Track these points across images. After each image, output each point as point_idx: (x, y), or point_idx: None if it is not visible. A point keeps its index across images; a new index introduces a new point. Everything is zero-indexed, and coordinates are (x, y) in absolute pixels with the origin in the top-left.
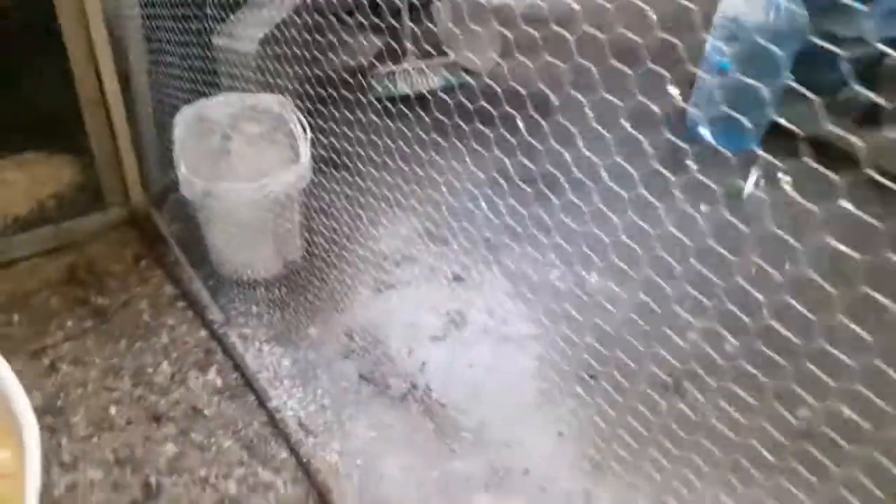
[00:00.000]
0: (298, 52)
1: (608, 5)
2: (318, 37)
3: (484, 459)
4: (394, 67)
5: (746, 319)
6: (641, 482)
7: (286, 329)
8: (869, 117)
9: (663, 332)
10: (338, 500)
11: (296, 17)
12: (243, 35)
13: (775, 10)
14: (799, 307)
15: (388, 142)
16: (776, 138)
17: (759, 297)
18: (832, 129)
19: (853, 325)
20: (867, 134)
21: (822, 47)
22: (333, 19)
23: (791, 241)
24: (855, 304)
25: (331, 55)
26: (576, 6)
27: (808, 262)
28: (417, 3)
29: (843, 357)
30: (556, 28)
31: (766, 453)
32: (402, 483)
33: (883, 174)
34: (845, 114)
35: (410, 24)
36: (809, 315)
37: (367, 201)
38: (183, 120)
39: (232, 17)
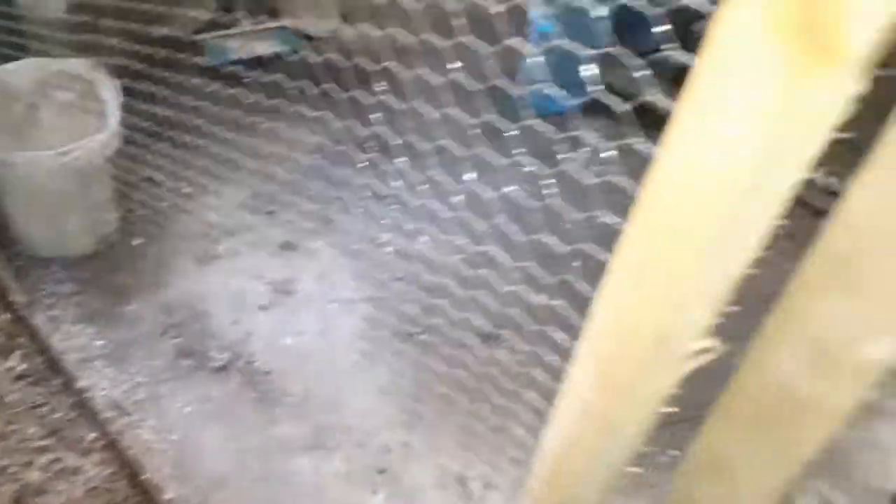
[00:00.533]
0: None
1: None
2: None
3: (307, 423)
4: (226, 32)
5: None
6: (458, 431)
7: (100, 308)
8: (683, 78)
9: (485, 285)
10: (152, 476)
11: None
12: None
13: None
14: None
15: (219, 110)
16: (601, 101)
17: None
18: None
19: None
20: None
21: (638, 9)
22: None
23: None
24: None
25: (159, 17)
26: None
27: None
28: None
29: None
30: None
31: None
32: (220, 453)
33: None
34: (664, 73)
35: None
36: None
37: (192, 172)
38: None
39: None
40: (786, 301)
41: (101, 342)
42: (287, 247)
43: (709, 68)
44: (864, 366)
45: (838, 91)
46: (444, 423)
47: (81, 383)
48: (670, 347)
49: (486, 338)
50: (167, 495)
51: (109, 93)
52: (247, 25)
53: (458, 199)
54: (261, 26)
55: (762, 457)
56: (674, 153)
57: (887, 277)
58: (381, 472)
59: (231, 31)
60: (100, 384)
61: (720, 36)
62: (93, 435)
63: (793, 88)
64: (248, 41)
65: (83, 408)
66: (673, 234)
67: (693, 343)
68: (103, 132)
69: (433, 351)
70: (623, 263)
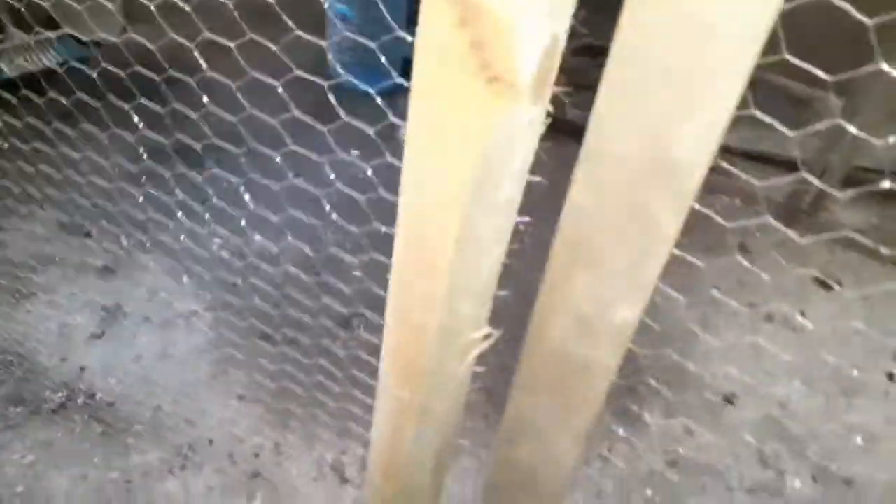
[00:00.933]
0: None
1: None
2: None
3: (165, 445)
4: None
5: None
6: (330, 420)
7: None
8: None
9: (328, 278)
10: None
11: None
12: None
13: None
14: None
15: (6, 132)
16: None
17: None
18: None
19: None
20: None
21: None
22: None
23: None
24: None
25: None
26: None
27: None
28: None
29: None
30: None
31: None
32: (74, 496)
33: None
34: None
35: None
36: None
37: None
38: None
39: None
40: (547, 279)
41: None
42: (110, 268)
43: (420, 100)
44: (616, 328)
45: (523, 114)
46: (314, 417)
47: None
48: (453, 338)
49: (345, 323)
50: None
51: None
52: (18, 38)
53: (294, 190)
54: (36, 37)
55: (560, 415)
56: (412, 172)
57: (613, 256)
58: (255, 476)
59: (3, 46)
60: None
61: (421, 80)
62: None
63: (486, 116)
64: (23, 55)
65: None
66: (427, 239)
67: (472, 332)
68: None
69: (291, 346)
70: (398, 267)
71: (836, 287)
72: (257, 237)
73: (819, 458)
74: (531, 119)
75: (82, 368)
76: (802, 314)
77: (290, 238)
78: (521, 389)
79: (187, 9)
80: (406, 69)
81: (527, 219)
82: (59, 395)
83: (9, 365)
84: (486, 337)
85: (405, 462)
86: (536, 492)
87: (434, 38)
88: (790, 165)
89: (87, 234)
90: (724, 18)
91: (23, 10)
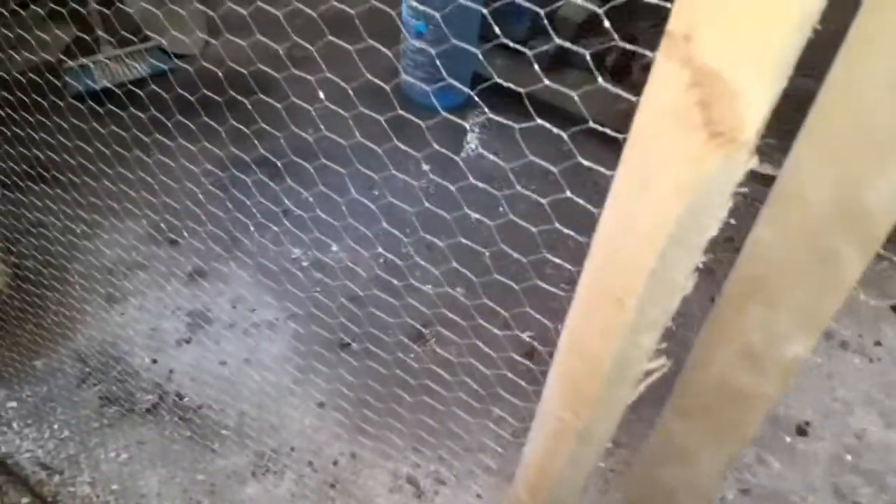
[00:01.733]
0: None
1: None
2: None
3: (249, 450)
4: (88, 59)
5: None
6: (403, 432)
7: (6, 368)
8: (556, 63)
9: (407, 285)
10: None
11: None
12: None
13: None
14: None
15: (98, 144)
16: (485, 93)
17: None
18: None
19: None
20: (556, 80)
21: (509, 3)
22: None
23: (497, 193)
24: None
25: (9, 53)
26: None
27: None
28: None
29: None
30: (262, 4)
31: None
32: (166, 496)
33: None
34: (538, 62)
35: (98, 7)
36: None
37: (81, 212)
38: None
39: None
40: (717, 312)
41: (13, 403)
42: (197, 275)
43: (638, 147)
44: (783, 362)
45: (739, 165)
46: (390, 427)
47: (2, 450)
48: (628, 370)
49: (418, 336)
50: None
51: None
52: (109, 50)
53: (369, 203)
54: (126, 49)
55: (712, 440)
56: (615, 209)
57: (792, 293)
58: (333, 485)
59: (97, 57)
60: (22, 446)
61: (641, 131)
62: (26, 501)
63: (704, 166)
64: (114, 66)
65: (9, 474)
66: (619, 275)
67: (647, 363)
68: None
69: (367, 356)
70: (583, 297)
71: None
72: (334, 248)
73: None
74: (744, 168)
75: (171, 371)
76: (878, 343)
77: (363, 250)
78: (674, 413)
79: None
80: (475, 85)
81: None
82: (151, 396)
83: (105, 365)
84: (657, 369)
85: (556, 481)
86: None
87: (661, 96)
88: None
89: (174, 242)
90: None
91: (113, 21)
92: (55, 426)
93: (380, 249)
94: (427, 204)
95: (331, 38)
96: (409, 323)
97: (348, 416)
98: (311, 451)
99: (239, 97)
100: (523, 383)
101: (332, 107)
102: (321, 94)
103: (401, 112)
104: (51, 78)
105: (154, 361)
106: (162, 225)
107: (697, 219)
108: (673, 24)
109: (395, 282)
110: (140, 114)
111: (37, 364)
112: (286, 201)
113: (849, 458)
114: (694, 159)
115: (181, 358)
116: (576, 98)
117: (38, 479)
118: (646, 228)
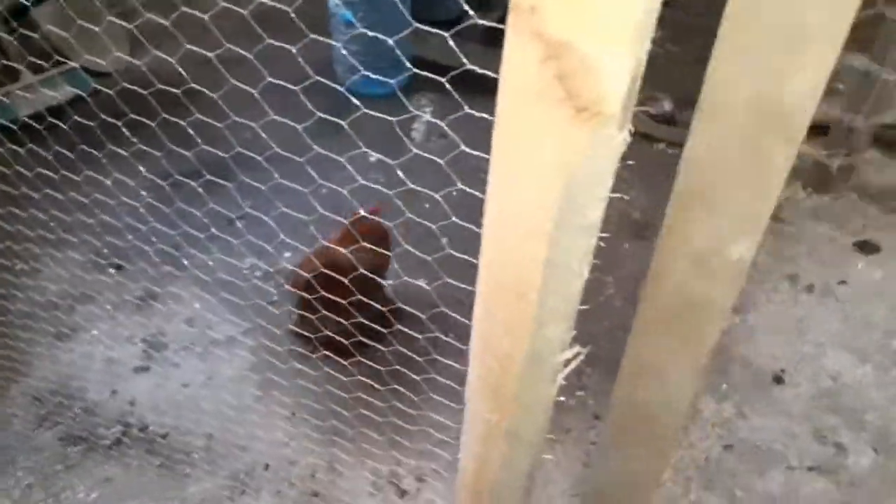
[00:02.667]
0: None
1: None
2: None
3: (223, 473)
4: (7, 88)
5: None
6: (379, 432)
7: None
8: (491, 39)
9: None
10: None
11: None
12: None
13: None
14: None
15: (25, 171)
16: (420, 75)
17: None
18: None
19: None
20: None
21: None
22: None
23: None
24: None
25: None
26: None
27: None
28: (7, 15)
29: None
30: (186, 9)
31: None
32: None
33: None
34: (471, 40)
35: (8, 37)
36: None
37: (16, 245)
38: None
39: None
40: (666, 225)
41: None
42: (148, 298)
43: (504, 130)
44: (730, 263)
45: (611, 139)
46: (365, 429)
47: None
48: (542, 364)
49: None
50: None
51: None
52: (27, 78)
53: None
54: (46, 73)
55: (678, 352)
56: (496, 201)
57: (730, 196)
58: (315, 495)
59: (14, 86)
60: None
61: (505, 111)
62: None
63: (574, 144)
64: (35, 92)
65: None
66: (513, 267)
67: (560, 355)
68: None
69: (330, 362)
70: (483, 295)
71: (877, 251)
72: (287, 254)
73: (877, 428)
74: (618, 142)
75: (132, 401)
76: (844, 282)
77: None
78: (639, 332)
79: (178, 35)
80: (415, 65)
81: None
82: (113, 429)
83: (61, 405)
84: (574, 357)
85: (494, 484)
86: (656, 425)
87: (518, 73)
88: (814, 130)
89: (120, 268)
90: None
91: (25, 50)
92: (19, 474)
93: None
94: (377, 189)
95: (267, 38)
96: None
97: (320, 425)
98: (287, 464)
99: (167, 107)
100: None
101: (270, 111)
102: (256, 94)
103: (340, 104)
104: None
105: (113, 393)
106: (105, 250)
107: (578, 199)
108: None
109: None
110: (65, 136)
111: None
112: (233, 207)
113: (826, 400)
114: (562, 136)
115: (141, 386)
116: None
117: None
118: (529, 214)
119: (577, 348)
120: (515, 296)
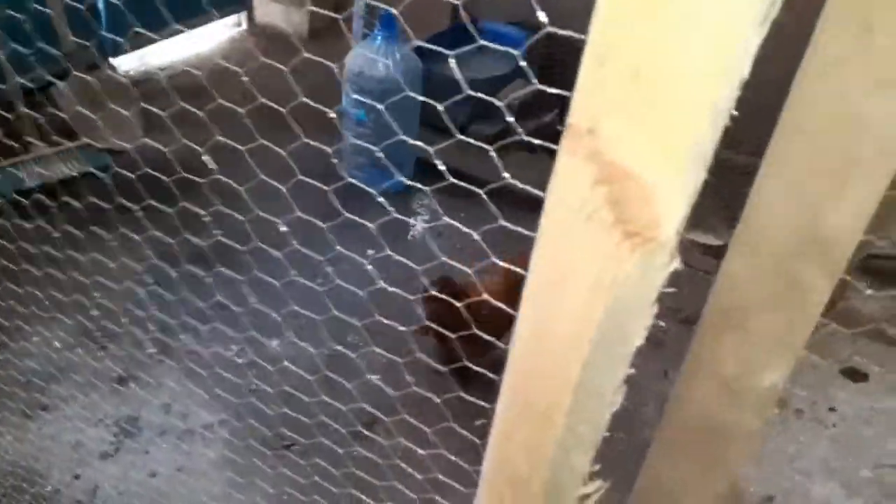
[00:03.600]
0: None
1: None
2: None
3: None
4: (15, 160)
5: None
6: None
7: None
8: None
9: (346, 382)
10: None
11: None
12: None
13: (393, 62)
14: None
15: (24, 244)
16: (424, 174)
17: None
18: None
19: None
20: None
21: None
22: None
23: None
24: None
25: None
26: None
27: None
28: (33, 87)
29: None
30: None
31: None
32: None
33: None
34: (479, 141)
35: (27, 111)
36: None
37: (6, 322)
38: None
39: None
40: (694, 347)
41: None
42: (125, 380)
43: (547, 249)
44: (760, 391)
45: (661, 265)
46: None
47: None
48: (561, 494)
49: (365, 428)
50: None
51: None
52: (39, 150)
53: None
54: (57, 148)
55: (698, 478)
56: (529, 320)
57: (763, 321)
58: None
59: (21, 159)
60: None
61: (550, 229)
62: None
63: (622, 268)
64: (43, 166)
65: None
66: (541, 390)
67: (582, 487)
68: None
69: (312, 455)
70: (503, 416)
71: (865, 379)
72: (274, 343)
73: None
74: (666, 271)
75: (96, 487)
76: (832, 409)
77: (300, 342)
78: (658, 453)
79: (201, 114)
80: (418, 170)
81: None
82: None
83: (17, 489)
84: (595, 492)
85: None
86: None
87: (567, 193)
88: None
89: (103, 347)
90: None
91: (44, 123)
92: None
93: (322, 343)
94: (372, 287)
95: (269, 133)
96: (361, 412)
97: None
98: None
99: (176, 191)
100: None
101: (271, 196)
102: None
103: (345, 198)
104: None
105: (76, 477)
106: (90, 328)
107: (620, 325)
108: (574, 116)
109: (338, 376)
110: (70, 212)
111: None
112: (224, 293)
113: None
114: (609, 260)
115: (107, 471)
116: (507, 177)
117: None
118: (566, 336)
119: (598, 482)
120: (541, 417)
